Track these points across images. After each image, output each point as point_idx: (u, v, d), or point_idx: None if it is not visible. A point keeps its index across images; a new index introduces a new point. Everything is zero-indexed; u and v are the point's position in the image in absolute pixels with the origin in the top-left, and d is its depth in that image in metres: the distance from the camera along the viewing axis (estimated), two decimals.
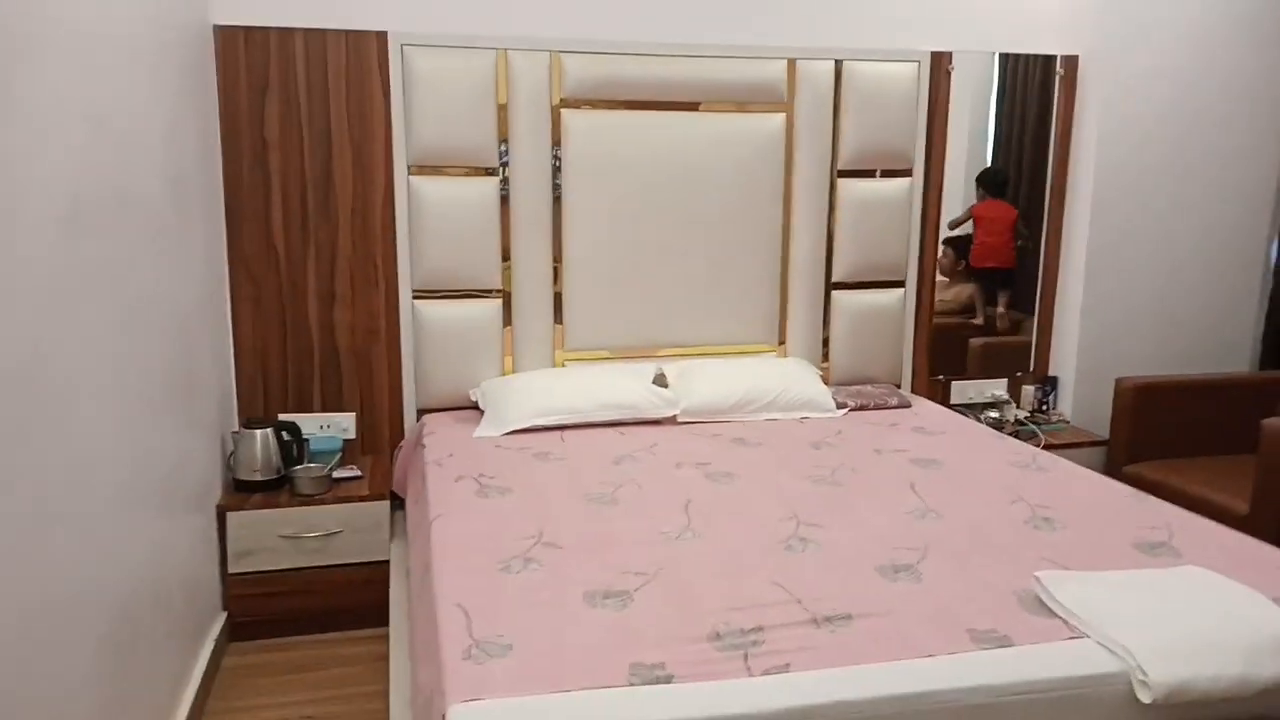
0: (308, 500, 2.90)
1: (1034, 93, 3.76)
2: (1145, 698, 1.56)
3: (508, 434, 3.01)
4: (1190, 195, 3.77)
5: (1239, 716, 1.64)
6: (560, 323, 3.40)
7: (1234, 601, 1.76)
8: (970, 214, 3.77)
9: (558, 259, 3.36)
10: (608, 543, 2.11)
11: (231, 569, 2.87)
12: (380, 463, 3.24)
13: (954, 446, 2.92)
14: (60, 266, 1.69)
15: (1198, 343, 3.88)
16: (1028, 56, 3.70)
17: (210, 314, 2.91)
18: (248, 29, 3.04)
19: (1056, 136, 3.77)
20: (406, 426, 3.33)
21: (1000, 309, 3.92)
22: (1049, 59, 3.71)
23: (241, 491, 2.94)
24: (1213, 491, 3.07)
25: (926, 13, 3.55)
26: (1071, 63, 3.71)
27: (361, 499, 2.93)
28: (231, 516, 2.85)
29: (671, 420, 3.16)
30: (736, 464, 2.71)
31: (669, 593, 1.85)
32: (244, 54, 3.05)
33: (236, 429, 3.06)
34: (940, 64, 3.59)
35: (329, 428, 3.27)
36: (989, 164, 3.78)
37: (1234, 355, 3.93)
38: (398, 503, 3.12)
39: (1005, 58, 3.69)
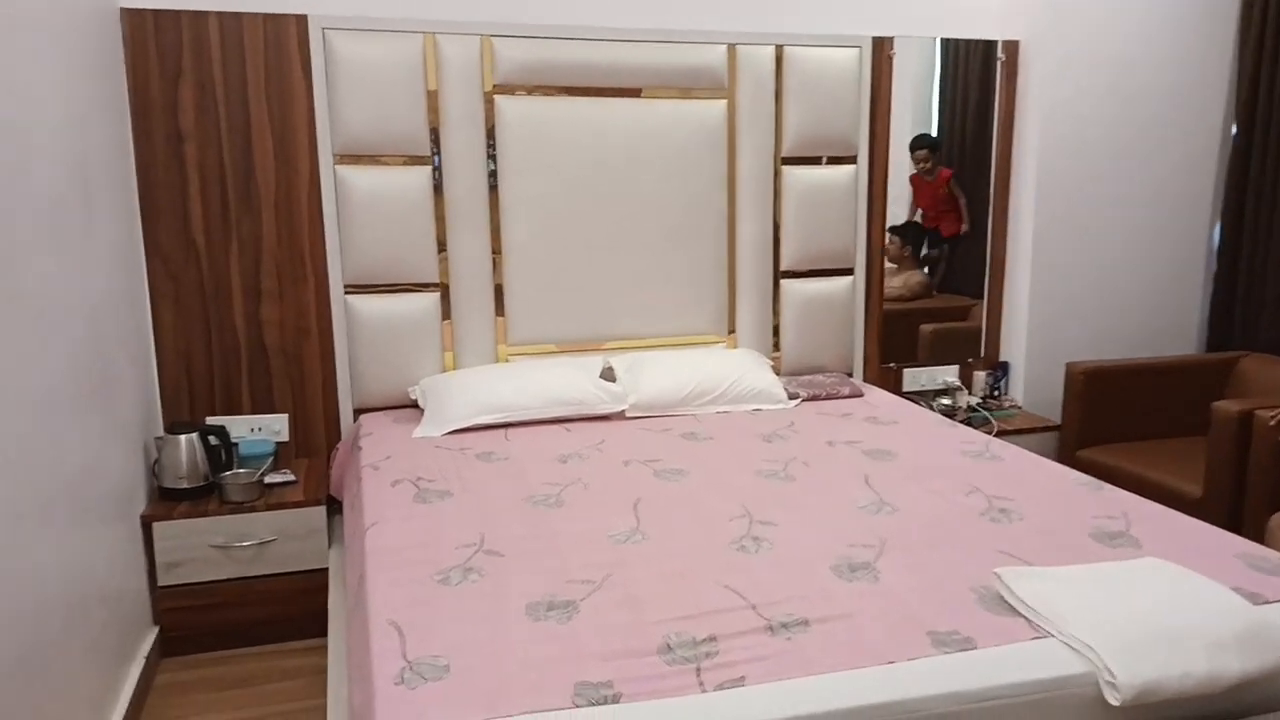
0: (238, 508, 2.75)
1: (974, 79, 3.72)
2: (1114, 699, 1.50)
3: (449, 433, 2.88)
4: (1133, 178, 3.77)
5: (1207, 714, 1.60)
6: (502, 315, 3.28)
7: (1196, 594, 1.71)
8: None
9: (497, 250, 3.23)
10: (552, 549, 2.00)
11: (161, 581, 2.72)
12: (316, 466, 3.09)
13: (907, 436, 2.86)
14: None
15: (1144, 325, 3.88)
16: (967, 42, 3.65)
17: (127, 313, 2.74)
18: (157, 11, 2.86)
19: (999, 122, 3.73)
20: (343, 427, 3.19)
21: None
22: (989, 44, 3.67)
23: (167, 500, 2.78)
24: (1166, 475, 3.06)
25: None
26: (1012, 48, 3.68)
27: (296, 505, 2.79)
28: (158, 526, 2.69)
29: (620, 415, 3.06)
30: (687, 460, 2.62)
31: (616, 602, 1.75)
32: (154, 39, 2.86)
33: (161, 434, 2.89)
34: (882, 50, 3.53)
35: (260, 430, 3.11)
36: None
37: (1179, 338, 3.95)
38: (337, 506, 2.98)
39: (945, 43, 3.64)
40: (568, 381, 3.07)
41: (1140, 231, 3.81)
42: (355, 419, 3.17)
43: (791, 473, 2.51)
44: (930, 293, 3.89)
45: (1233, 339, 3.78)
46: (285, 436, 3.15)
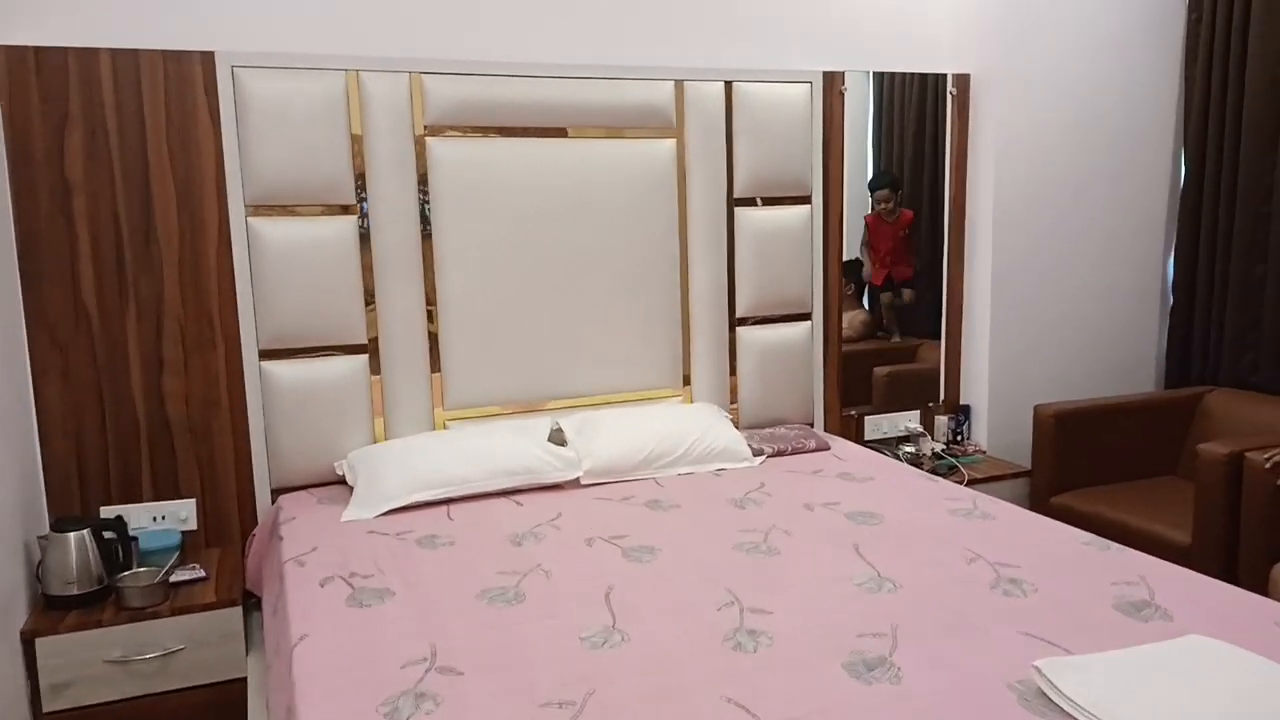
0: (139, 614, 2.38)
1: (911, 113, 3.58)
2: None
3: (383, 514, 2.56)
4: (1090, 212, 3.68)
5: None
6: (438, 372, 2.98)
7: (1256, 680, 1.52)
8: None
9: (432, 303, 2.94)
10: (518, 660, 1.71)
11: (46, 707, 2.32)
12: (229, 556, 2.73)
13: (887, 494, 2.65)
14: None
15: (1103, 362, 3.78)
16: (904, 75, 3.53)
17: (4, 392, 2.37)
18: (39, 49, 2.52)
19: (952, 157, 3.61)
20: (260, 510, 2.83)
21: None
22: (925, 77, 3.55)
23: (54, 610, 2.39)
24: (1150, 522, 2.91)
25: (815, 32, 3.34)
26: (963, 81, 3.57)
27: (206, 607, 2.43)
28: (41, 643, 2.30)
29: (575, 484, 2.78)
30: (656, 534, 2.35)
31: None
32: (36, 79, 2.52)
33: (45, 533, 2.50)
34: (833, 84, 3.38)
35: (164, 519, 2.74)
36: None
37: (1139, 374, 3.85)
38: (256, 602, 2.62)
39: (880, 78, 3.50)
40: (514, 448, 2.79)
41: (1097, 266, 3.72)
42: (274, 500, 2.82)
43: (773, 544, 2.27)
44: (874, 333, 3.71)
45: (1191, 374, 3.70)
46: (193, 525, 2.78)
